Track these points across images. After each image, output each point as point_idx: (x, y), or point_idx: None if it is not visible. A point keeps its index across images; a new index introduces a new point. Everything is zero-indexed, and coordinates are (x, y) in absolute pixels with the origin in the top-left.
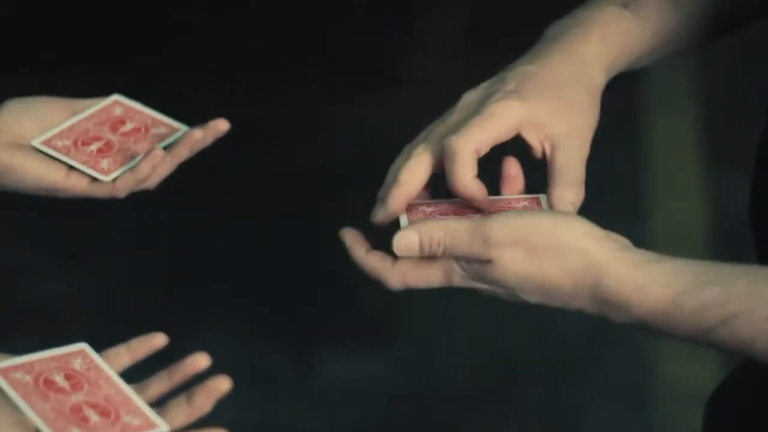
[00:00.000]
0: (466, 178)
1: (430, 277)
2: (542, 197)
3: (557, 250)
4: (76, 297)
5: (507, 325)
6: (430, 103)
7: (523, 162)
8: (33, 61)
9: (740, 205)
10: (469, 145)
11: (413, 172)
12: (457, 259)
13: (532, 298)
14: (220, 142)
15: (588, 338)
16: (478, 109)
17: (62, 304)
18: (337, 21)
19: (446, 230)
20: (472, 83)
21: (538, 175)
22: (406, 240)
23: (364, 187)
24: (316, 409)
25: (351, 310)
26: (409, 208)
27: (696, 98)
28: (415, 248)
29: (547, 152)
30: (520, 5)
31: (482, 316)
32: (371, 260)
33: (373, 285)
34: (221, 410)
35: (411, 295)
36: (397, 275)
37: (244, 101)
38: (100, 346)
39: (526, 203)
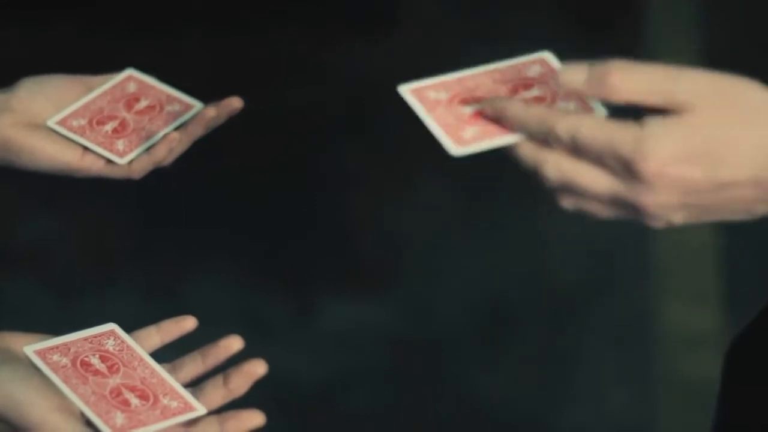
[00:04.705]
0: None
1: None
2: (547, 55)
3: (735, 152)
4: (66, 239)
5: (505, 269)
6: (427, 44)
7: None
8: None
9: None
10: None
11: None
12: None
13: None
14: (212, 86)
15: (587, 280)
16: None
17: (52, 246)
18: None
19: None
20: (469, 25)
21: None
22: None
23: (359, 131)
24: (313, 355)
25: (347, 256)
26: (420, 96)
27: (697, 36)
28: (580, 86)
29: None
30: None
31: (480, 260)
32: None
33: (371, 230)
34: None
35: (408, 239)
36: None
37: (236, 43)
38: (95, 292)
39: (538, 66)
